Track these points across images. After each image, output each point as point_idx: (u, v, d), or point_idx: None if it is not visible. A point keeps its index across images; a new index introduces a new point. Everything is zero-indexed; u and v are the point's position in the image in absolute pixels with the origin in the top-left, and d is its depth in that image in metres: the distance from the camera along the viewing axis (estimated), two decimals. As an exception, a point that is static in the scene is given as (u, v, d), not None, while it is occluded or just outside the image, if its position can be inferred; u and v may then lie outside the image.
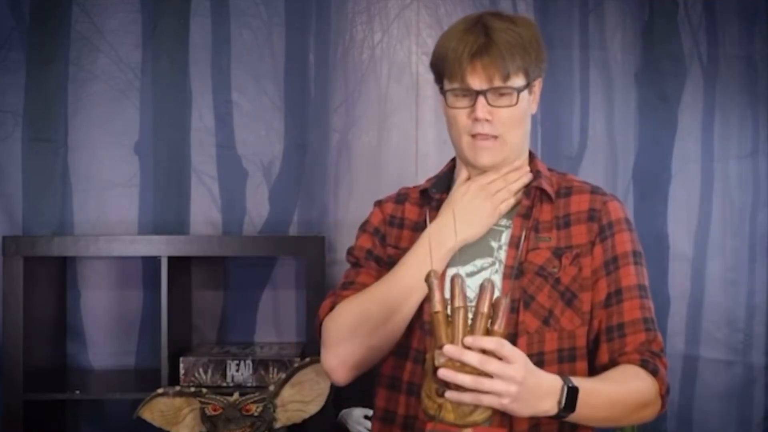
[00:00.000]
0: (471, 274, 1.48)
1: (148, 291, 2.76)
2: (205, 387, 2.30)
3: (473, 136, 1.46)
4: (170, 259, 2.46)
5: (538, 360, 1.39)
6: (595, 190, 1.55)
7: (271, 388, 2.24)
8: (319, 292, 2.46)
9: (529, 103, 1.49)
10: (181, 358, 2.51)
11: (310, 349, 2.49)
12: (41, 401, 2.51)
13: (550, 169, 1.59)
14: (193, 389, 2.25)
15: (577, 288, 1.45)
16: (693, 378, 2.94)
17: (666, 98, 2.93)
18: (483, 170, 1.51)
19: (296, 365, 2.27)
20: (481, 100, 1.43)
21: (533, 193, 1.52)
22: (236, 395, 2.22)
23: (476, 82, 1.43)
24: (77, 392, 2.52)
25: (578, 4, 2.91)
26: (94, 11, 2.76)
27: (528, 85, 1.46)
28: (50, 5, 2.74)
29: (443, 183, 1.59)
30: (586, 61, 2.91)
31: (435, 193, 1.57)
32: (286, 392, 2.25)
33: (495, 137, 1.46)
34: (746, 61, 2.96)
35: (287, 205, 2.83)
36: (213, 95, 2.81)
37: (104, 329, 2.78)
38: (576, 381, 1.29)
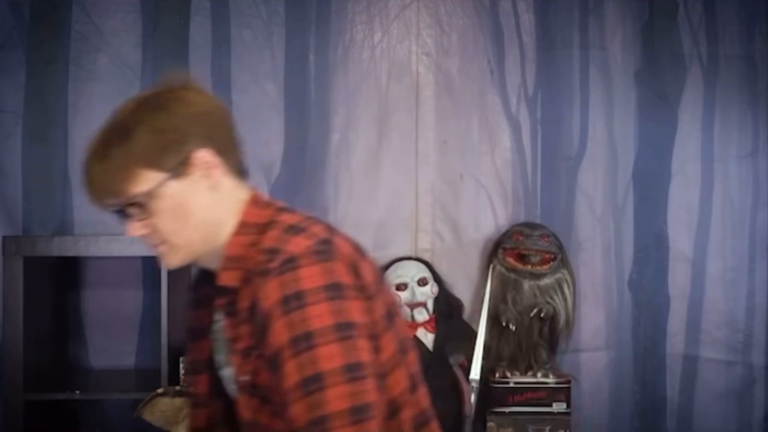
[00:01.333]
0: None
1: (148, 291, 2.76)
2: (205, 387, 2.30)
3: None
4: (170, 259, 2.45)
5: None
6: (262, 273, 1.20)
7: (271, 388, 2.24)
8: (319, 292, 2.45)
9: (190, 185, 1.30)
10: (181, 358, 2.50)
11: (310, 349, 2.48)
12: (41, 401, 2.50)
13: (275, 222, 1.34)
14: (193, 389, 2.24)
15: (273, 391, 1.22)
16: (693, 378, 2.93)
17: (666, 98, 2.93)
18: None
19: (296, 365, 2.27)
20: (125, 222, 1.27)
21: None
22: (236, 395, 2.21)
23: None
24: (77, 392, 2.52)
25: (578, 4, 2.91)
26: (94, 11, 2.76)
27: (174, 175, 1.27)
28: (50, 5, 2.74)
29: None
30: (586, 61, 2.90)
31: None
32: (286, 392, 2.25)
33: (163, 243, 1.28)
34: (746, 61, 2.96)
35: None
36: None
37: (104, 329, 2.78)
38: None
